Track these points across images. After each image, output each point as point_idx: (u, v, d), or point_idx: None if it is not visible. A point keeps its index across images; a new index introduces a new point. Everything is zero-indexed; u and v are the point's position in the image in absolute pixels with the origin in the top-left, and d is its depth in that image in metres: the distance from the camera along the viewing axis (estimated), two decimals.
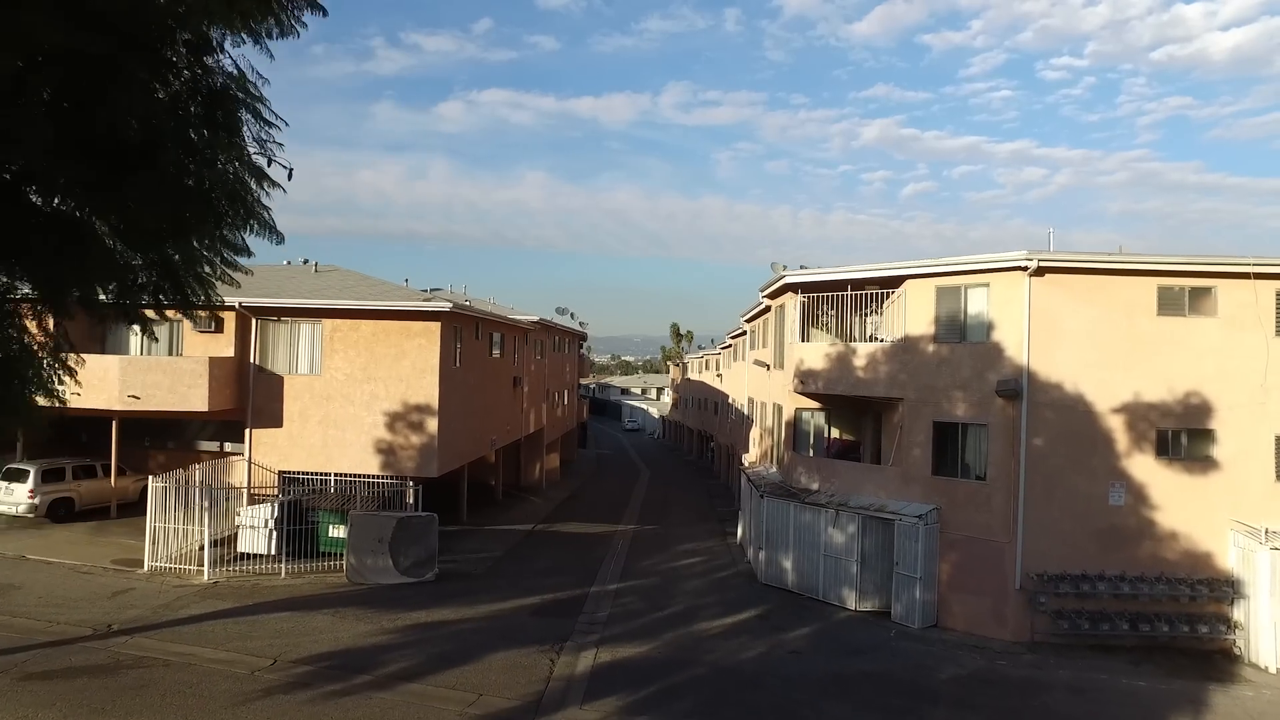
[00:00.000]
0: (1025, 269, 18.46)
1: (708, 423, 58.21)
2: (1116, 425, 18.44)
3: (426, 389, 24.73)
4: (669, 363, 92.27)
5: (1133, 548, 18.40)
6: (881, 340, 21.70)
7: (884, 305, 22.64)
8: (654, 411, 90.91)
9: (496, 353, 31.89)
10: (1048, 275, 18.56)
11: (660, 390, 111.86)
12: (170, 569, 20.60)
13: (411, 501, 24.45)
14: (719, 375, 53.24)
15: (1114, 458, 18.44)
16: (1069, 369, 18.52)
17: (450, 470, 26.33)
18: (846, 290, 22.05)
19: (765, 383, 30.18)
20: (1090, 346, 18.52)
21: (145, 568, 20.56)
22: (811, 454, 24.03)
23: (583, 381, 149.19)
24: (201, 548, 20.98)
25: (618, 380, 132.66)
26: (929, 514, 19.61)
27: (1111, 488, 18.46)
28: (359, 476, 24.96)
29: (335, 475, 25.09)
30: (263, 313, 24.99)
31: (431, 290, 39.96)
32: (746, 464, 33.99)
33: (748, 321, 35.82)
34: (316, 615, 17.84)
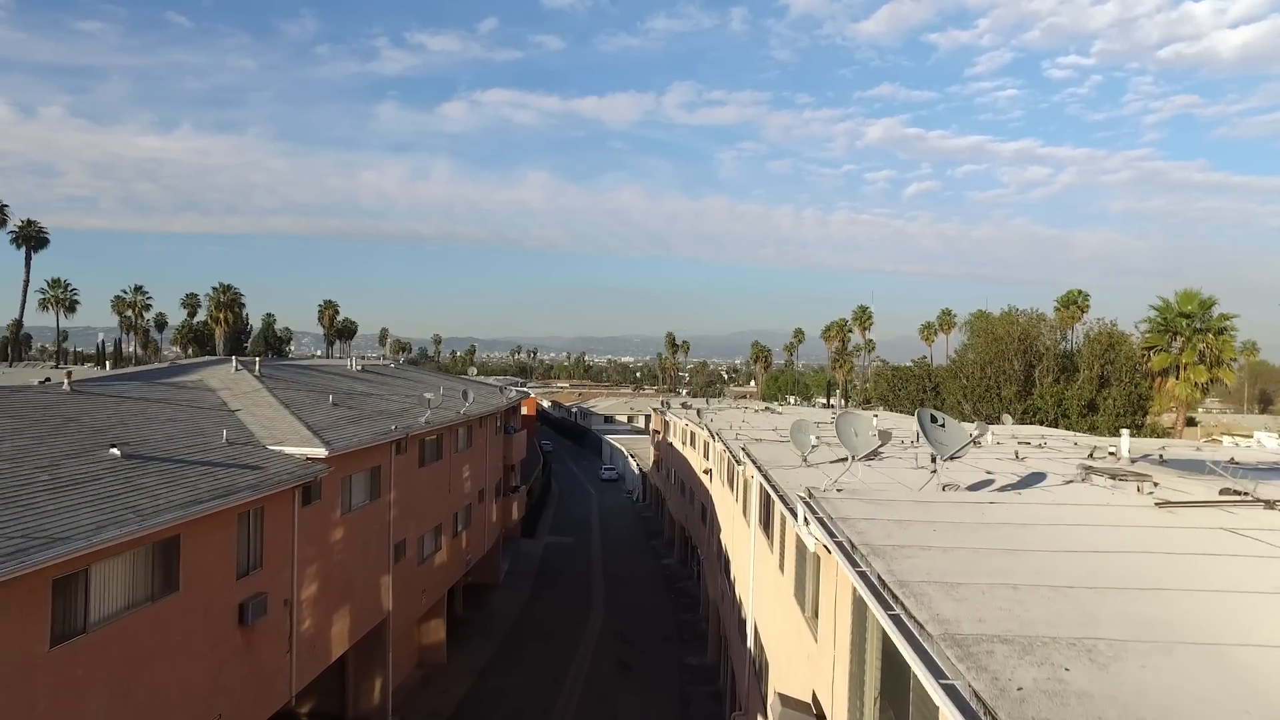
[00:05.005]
0: None
1: (692, 524, 38.65)
2: None
3: None
4: (652, 412, 72.96)
5: None
6: None
7: None
8: (634, 464, 71.39)
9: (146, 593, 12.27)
10: None
11: (649, 418, 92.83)
12: None
13: None
14: (707, 473, 33.59)
15: None
16: None
17: None
18: None
19: (792, 621, 10.54)
20: None
21: None
22: None
23: (565, 403, 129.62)
24: None
25: (601, 405, 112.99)
26: None
27: None
28: None
29: None
30: None
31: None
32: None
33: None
34: None
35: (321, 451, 17.58)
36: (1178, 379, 38.04)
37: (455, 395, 33.10)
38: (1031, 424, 41.83)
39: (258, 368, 23.89)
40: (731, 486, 23.85)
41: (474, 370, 63.97)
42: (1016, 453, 14.90)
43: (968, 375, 44.15)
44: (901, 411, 56.11)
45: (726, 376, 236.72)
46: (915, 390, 56.85)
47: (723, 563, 25.86)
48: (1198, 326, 37.01)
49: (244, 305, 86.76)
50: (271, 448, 17.57)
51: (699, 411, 38.11)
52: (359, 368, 32.58)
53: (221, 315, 79.39)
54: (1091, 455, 14.94)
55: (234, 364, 23.93)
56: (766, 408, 52.79)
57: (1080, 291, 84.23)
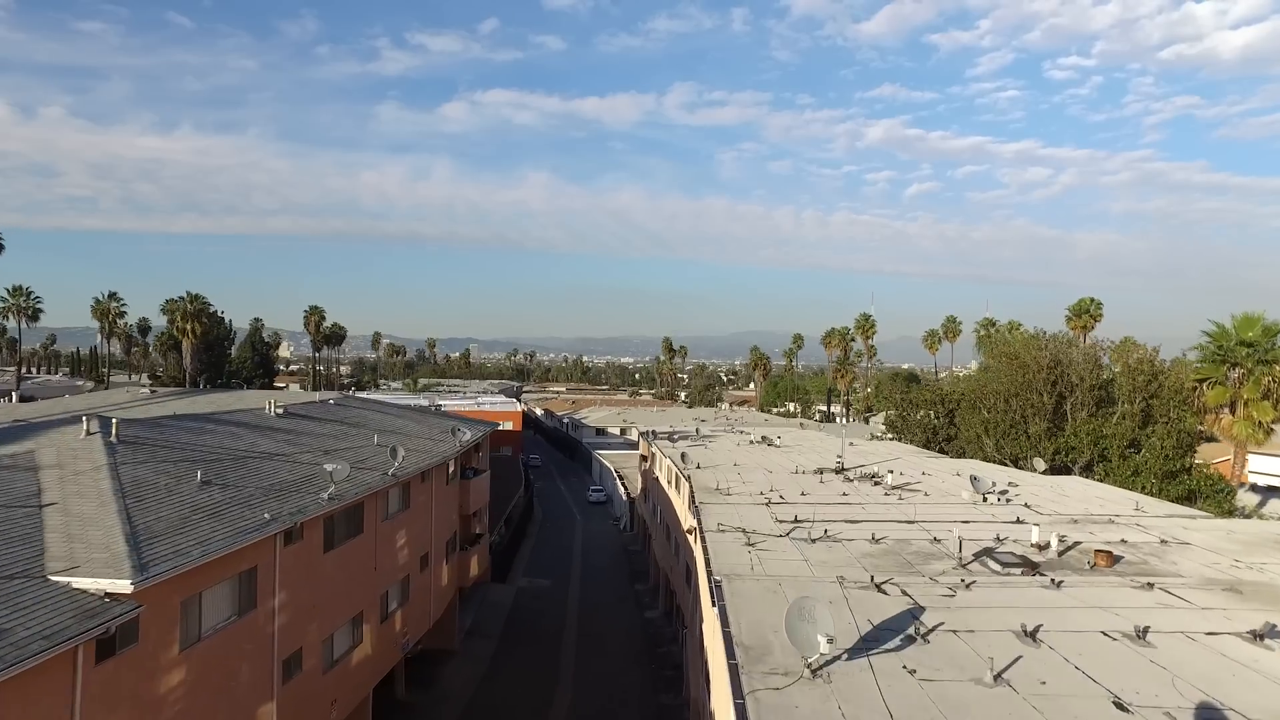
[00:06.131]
0: None
1: (676, 580, 33.45)
2: None
3: None
4: (642, 438, 67.92)
5: None
6: None
7: None
8: (623, 487, 66.13)
9: None
10: None
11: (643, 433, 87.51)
12: None
13: None
14: (691, 532, 28.36)
15: None
16: None
17: None
18: None
19: None
20: None
21: None
22: None
23: (557, 412, 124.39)
24: None
25: (594, 416, 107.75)
26: None
27: None
28: None
29: None
30: None
31: None
32: None
33: None
34: None
35: (125, 586, 12.31)
36: (1235, 416, 32.73)
37: (404, 437, 28.00)
38: (1064, 464, 36.59)
39: (115, 431, 18.65)
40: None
41: (439, 405, 58.75)
42: (1136, 628, 9.69)
43: (989, 407, 38.82)
44: (911, 440, 50.71)
45: (725, 380, 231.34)
46: (925, 416, 51.51)
47: (704, 664, 20.64)
48: (1262, 357, 31.69)
49: (216, 313, 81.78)
50: (56, 578, 12.35)
51: (683, 455, 32.85)
52: (280, 411, 27.33)
53: (188, 326, 74.07)
54: (1261, 638, 9.71)
55: (85, 425, 18.68)
56: (764, 437, 47.57)
57: (1092, 300, 78.51)
